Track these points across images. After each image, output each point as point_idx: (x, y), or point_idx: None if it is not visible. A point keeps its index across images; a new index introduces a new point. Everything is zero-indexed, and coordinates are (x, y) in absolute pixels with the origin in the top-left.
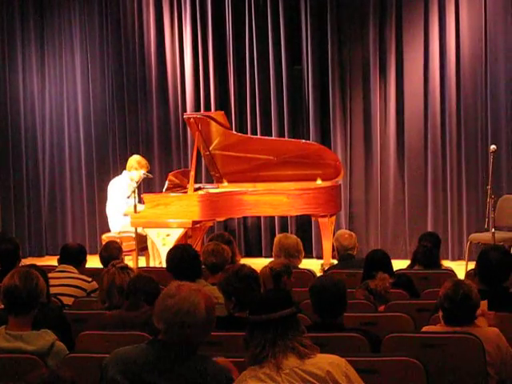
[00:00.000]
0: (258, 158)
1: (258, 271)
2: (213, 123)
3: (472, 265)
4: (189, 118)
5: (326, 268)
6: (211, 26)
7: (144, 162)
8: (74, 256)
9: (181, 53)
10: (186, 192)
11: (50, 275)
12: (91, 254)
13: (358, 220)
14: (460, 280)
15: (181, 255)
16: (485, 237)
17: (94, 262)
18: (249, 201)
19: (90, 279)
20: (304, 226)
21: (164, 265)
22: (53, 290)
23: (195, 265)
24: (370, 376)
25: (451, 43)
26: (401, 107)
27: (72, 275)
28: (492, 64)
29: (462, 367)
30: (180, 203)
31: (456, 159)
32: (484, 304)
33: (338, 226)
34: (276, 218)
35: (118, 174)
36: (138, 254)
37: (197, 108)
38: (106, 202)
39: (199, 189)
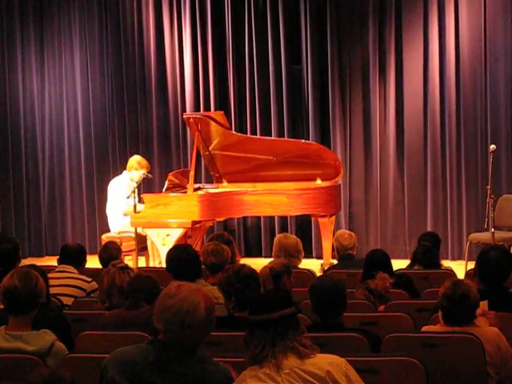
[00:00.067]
0: (258, 158)
1: (258, 271)
2: (212, 123)
3: (472, 265)
4: (188, 118)
5: (326, 268)
6: (211, 27)
7: (144, 162)
8: (73, 256)
9: (180, 53)
10: (185, 192)
11: (49, 275)
12: (91, 254)
13: (357, 220)
14: (459, 280)
15: (180, 255)
16: (484, 236)
17: (93, 262)
18: (248, 201)
19: (89, 279)
20: (304, 225)
21: (164, 265)
22: (52, 290)
23: (195, 265)
24: (369, 376)
25: (451, 43)
26: (400, 107)
27: (72, 275)
28: (491, 64)
29: (461, 367)
30: (180, 203)
31: (456, 159)
32: (485, 304)
33: (337, 226)
34: (276, 217)
35: (117, 174)
36: (138, 254)
37: (196, 108)
38: (105, 202)
39: (199, 189)
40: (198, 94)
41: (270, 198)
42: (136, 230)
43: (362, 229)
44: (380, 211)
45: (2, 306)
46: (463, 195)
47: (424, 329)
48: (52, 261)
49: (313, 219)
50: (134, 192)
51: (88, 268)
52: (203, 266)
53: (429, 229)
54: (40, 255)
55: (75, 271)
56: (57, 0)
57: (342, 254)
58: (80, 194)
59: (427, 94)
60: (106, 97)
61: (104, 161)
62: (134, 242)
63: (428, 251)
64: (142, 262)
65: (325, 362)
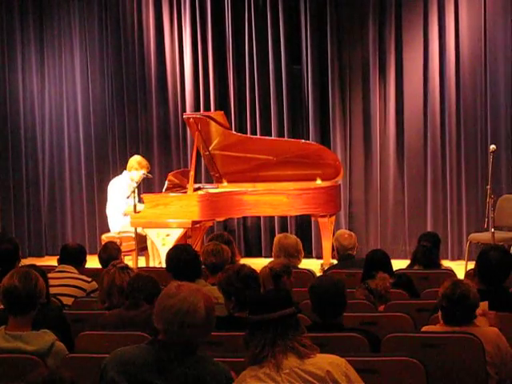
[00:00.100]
0: (258, 157)
1: (258, 271)
2: (212, 123)
3: (472, 265)
4: (188, 118)
5: (326, 268)
6: (211, 26)
7: (145, 162)
8: (73, 256)
9: (180, 53)
10: (185, 192)
11: (49, 275)
12: (91, 254)
13: (357, 220)
14: (458, 280)
15: (180, 255)
16: (484, 237)
17: (93, 262)
18: (248, 201)
19: (89, 279)
20: (304, 225)
21: (164, 265)
22: (52, 290)
23: (195, 265)
24: (369, 376)
25: (451, 43)
26: (400, 107)
27: (72, 275)
28: (491, 64)
29: (461, 367)
30: (180, 203)
31: (456, 159)
32: (485, 304)
33: (337, 226)
34: (276, 217)
35: (117, 174)
36: (138, 254)
37: (196, 108)
38: (105, 202)
39: (199, 189)
40: (198, 93)
41: (270, 198)
42: (136, 230)
43: (361, 229)
44: (380, 211)
45: (1, 306)
46: (463, 195)
47: (424, 329)
48: (52, 261)
49: (313, 219)
50: (133, 192)
51: (88, 268)
52: (203, 266)
53: (429, 229)
54: (40, 255)
55: (75, 271)
56: (57, 0)
57: (342, 254)
58: (80, 194)
59: (427, 94)
60: (106, 97)
61: (104, 161)
62: (133, 242)
63: (428, 251)
64: (141, 262)
65: (325, 362)
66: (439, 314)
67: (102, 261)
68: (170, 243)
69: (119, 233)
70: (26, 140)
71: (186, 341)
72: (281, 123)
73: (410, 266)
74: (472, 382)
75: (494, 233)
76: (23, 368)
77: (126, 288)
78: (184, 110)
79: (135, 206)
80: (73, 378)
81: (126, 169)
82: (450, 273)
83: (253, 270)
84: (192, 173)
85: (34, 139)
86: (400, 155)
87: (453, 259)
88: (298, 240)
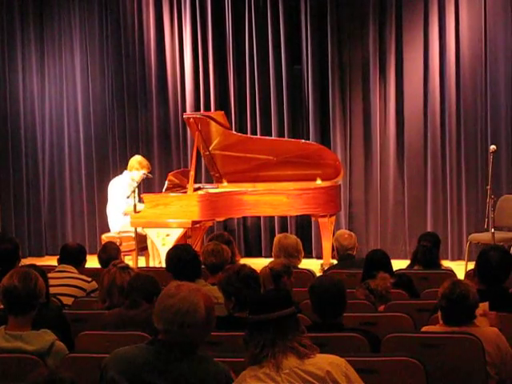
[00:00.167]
0: (258, 157)
1: (258, 271)
2: (212, 123)
3: (471, 265)
4: (188, 118)
5: (326, 268)
6: (211, 26)
7: (145, 162)
8: (73, 256)
9: (180, 52)
10: (185, 192)
11: (49, 275)
12: (91, 253)
13: (357, 220)
14: (458, 280)
15: (180, 255)
16: (484, 237)
17: (93, 261)
18: (248, 201)
19: (89, 279)
20: (304, 226)
21: (164, 265)
22: (52, 290)
23: (195, 265)
24: (369, 376)
25: (451, 43)
26: (400, 107)
27: (72, 275)
28: (492, 64)
29: (461, 367)
30: (180, 203)
31: (456, 159)
32: (486, 305)
33: (337, 226)
34: (276, 218)
35: (117, 174)
36: (138, 254)
37: (196, 108)
38: (105, 202)
39: (199, 189)
40: (198, 93)
41: (270, 198)
42: (136, 229)
43: (361, 229)
44: (380, 211)
45: (1, 306)
46: (463, 195)
47: (424, 329)
48: (52, 261)
49: (313, 219)
50: (134, 192)
51: (88, 268)
52: (203, 266)
53: (429, 229)
54: (40, 255)
55: (75, 271)
56: (57, 0)
57: (342, 254)
58: (80, 193)
59: (427, 94)
60: (106, 96)
61: (104, 161)
62: (133, 242)
63: (428, 251)
64: (141, 262)
65: (325, 362)
66: (439, 314)
67: (101, 261)
68: (169, 243)
69: (119, 233)
70: (26, 140)
71: (186, 341)
72: (281, 123)
73: (409, 266)
74: (472, 382)
75: (493, 233)
76: (23, 368)
77: (126, 287)
78: (184, 110)
79: (135, 205)
80: (73, 377)
81: (126, 169)
82: (450, 273)
83: (253, 270)
84: (192, 173)
85: (34, 139)
86: (400, 155)
87: (453, 259)
88: (298, 240)
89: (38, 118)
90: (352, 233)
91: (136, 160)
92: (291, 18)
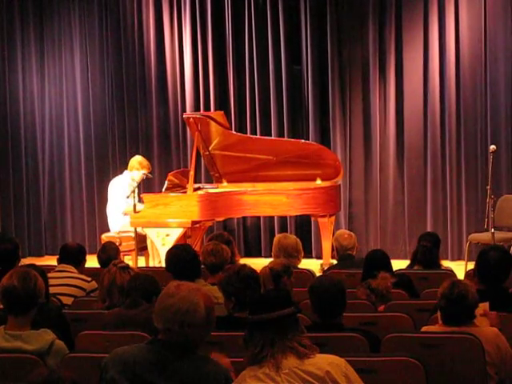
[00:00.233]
0: (258, 157)
1: (258, 271)
2: (212, 123)
3: (471, 265)
4: (188, 118)
5: (326, 268)
6: (211, 26)
7: (146, 162)
8: (73, 256)
9: (180, 52)
10: (185, 192)
11: (49, 275)
12: (91, 253)
13: (357, 220)
14: (457, 279)
15: (180, 255)
16: (484, 237)
17: (93, 261)
18: (248, 201)
19: (89, 279)
20: (303, 226)
21: (163, 265)
22: (52, 290)
23: (194, 265)
24: (369, 376)
25: (451, 43)
26: (400, 107)
27: (71, 275)
28: (492, 64)
29: (461, 367)
30: (179, 203)
31: (456, 159)
32: (486, 305)
33: (337, 226)
34: (275, 217)
35: (117, 174)
36: (138, 254)
37: (196, 108)
38: (105, 202)
39: (199, 189)
40: (198, 93)
41: (270, 198)
42: (136, 229)
43: (361, 229)
44: (380, 211)
45: (1, 306)
46: (463, 195)
47: (423, 329)
48: (52, 260)
49: (312, 219)
50: (133, 192)
51: (88, 268)
52: (203, 266)
53: (428, 229)
54: (40, 255)
55: (75, 271)
56: (57, 0)
57: (342, 254)
58: (80, 193)
59: (427, 94)
60: (106, 96)
61: (104, 161)
62: (133, 242)
63: (428, 251)
64: (141, 262)
65: (324, 362)
66: (438, 314)
67: (100, 261)
68: (169, 243)
69: (119, 232)
70: (26, 140)
71: (186, 340)
72: (281, 123)
73: (409, 266)
74: (472, 382)
75: (493, 233)
76: (23, 368)
77: (126, 287)
78: (184, 110)
79: (135, 205)
80: (73, 377)
81: (126, 169)
82: (450, 273)
83: (253, 270)
84: (192, 173)
85: (33, 139)
86: (400, 155)
87: (453, 259)
88: (298, 240)
89: (37, 118)
90: (352, 233)
91: (136, 160)
92: (291, 18)
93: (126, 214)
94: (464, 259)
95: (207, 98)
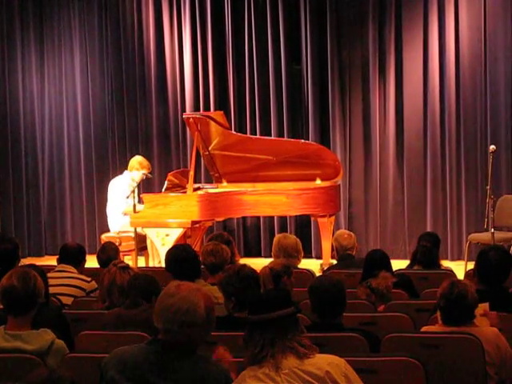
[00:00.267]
0: (258, 157)
1: (258, 271)
2: (212, 123)
3: (471, 265)
4: (188, 118)
5: (326, 268)
6: (210, 26)
7: (146, 162)
8: (73, 256)
9: (180, 52)
10: (185, 192)
11: (49, 275)
12: (90, 253)
13: (357, 220)
14: (457, 279)
15: (180, 255)
16: (484, 237)
17: (93, 261)
18: (248, 201)
19: (89, 279)
20: (303, 226)
21: (163, 265)
22: (52, 290)
23: (194, 265)
24: (369, 376)
25: (451, 43)
26: (400, 107)
27: (71, 275)
28: (491, 64)
29: (461, 367)
30: (179, 203)
31: (455, 159)
32: (486, 305)
33: (337, 226)
34: (275, 217)
35: (117, 174)
36: (138, 254)
37: (196, 107)
38: (105, 202)
39: (198, 189)
40: (198, 93)
41: (270, 198)
42: (135, 229)
43: (361, 229)
44: (380, 211)
45: (1, 306)
46: (463, 195)
47: (423, 329)
48: (52, 260)
49: (312, 219)
50: (133, 192)
51: (87, 268)
52: (202, 266)
53: (428, 229)
54: (40, 255)
55: (75, 271)
56: (57, 0)
57: (342, 254)
58: (80, 193)
59: (427, 94)
60: (106, 96)
61: (104, 161)
62: (133, 242)
63: (428, 251)
64: (141, 262)
65: (324, 362)
66: (438, 314)
67: (100, 261)
68: (169, 243)
69: (119, 232)
70: (26, 140)
71: (186, 340)
72: (280, 123)
73: (409, 266)
74: (471, 382)
75: (493, 233)
76: (23, 368)
77: (126, 287)
78: (184, 110)
79: (135, 205)
80: (72, 377)
81: (126, 169)
82: (450, 273)
83: (253, 271)
84: (192, 173)
85: (33, 139)
86: (400, 155)
87: (452, 259)
88: (298, 240)
89: (37, 117)
90: (351, 233)
91: (136, 160)
92: (291, 17)
93: (125, 214)
94: (464, 259)
95: (207, 97)
